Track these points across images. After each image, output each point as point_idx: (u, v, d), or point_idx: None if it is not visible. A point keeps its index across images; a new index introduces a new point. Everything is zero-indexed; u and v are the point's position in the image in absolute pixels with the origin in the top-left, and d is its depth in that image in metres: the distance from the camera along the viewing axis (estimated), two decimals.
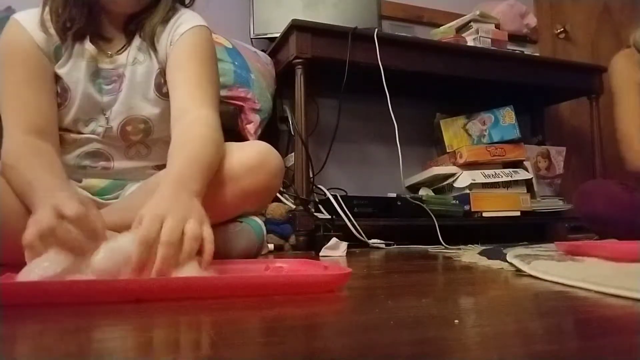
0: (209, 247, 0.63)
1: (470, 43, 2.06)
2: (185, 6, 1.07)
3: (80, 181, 1.00)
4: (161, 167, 1.01)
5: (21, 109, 0.92)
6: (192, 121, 0.90)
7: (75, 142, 1.00)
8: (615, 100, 1.62)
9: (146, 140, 1.03)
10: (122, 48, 1.01)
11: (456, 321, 0.44)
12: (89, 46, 0.98)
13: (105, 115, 1.00)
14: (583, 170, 2.35)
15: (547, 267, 0.79)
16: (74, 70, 0.98)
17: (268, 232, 1.41)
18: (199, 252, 0.63)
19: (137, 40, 1.01)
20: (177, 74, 0.97)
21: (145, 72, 1.01)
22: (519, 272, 0.81)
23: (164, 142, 0.99)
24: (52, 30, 0.96)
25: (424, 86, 2.14)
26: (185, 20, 1.01)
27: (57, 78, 0.98)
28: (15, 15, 0.98)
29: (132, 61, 1.01)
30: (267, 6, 1.96)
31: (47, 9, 0.96)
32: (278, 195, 1.66)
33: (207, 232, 0.64)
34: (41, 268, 0.59)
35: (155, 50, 1.01)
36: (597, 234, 1.61)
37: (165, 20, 1.01)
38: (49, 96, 0.96)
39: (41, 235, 0.62)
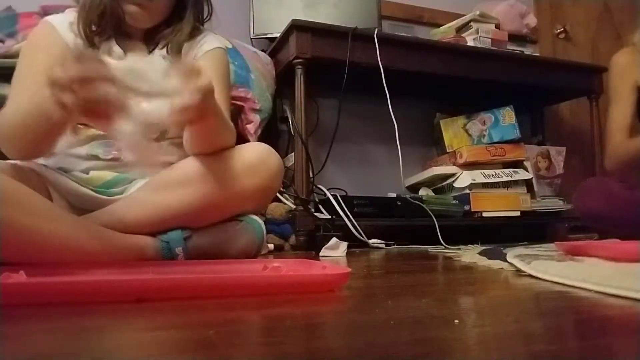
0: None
1: (470, 43, 2.06)
2: (202, 23, 1.14)
3: (87, 173, 1.01)
4: (169, 164, 1.02)
5: (25, 94, 0.93)
6: None
7: (90, 136, 1.01)
8: (611, 99, 1.62)
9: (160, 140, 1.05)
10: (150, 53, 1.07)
11: (456, 321, 0.44)
12: (117, 49, 1.03)
13: None
14: (583, 170, 2.35)
15: (547, 267, 0.79)
16: None
17: (268, 232, 1.41)
18: None
19: (160, 51, 1.07)
20: None
21: None
22: (519, 272, 0.81)
23: (175, 144, 1.04)
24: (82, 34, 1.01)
25: (424, 86, 2.14)
26: (210, 40, 1.11)
27: None
28: (46, 18, 1.05)
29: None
30: (267, 6, 1.96)
31: (75, 16, 1.01)
32: (278, 195, 1.66)
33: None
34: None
35: None
36: (597, 232, 1.61)
37: (192, 37, 1.08)
38: None
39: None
